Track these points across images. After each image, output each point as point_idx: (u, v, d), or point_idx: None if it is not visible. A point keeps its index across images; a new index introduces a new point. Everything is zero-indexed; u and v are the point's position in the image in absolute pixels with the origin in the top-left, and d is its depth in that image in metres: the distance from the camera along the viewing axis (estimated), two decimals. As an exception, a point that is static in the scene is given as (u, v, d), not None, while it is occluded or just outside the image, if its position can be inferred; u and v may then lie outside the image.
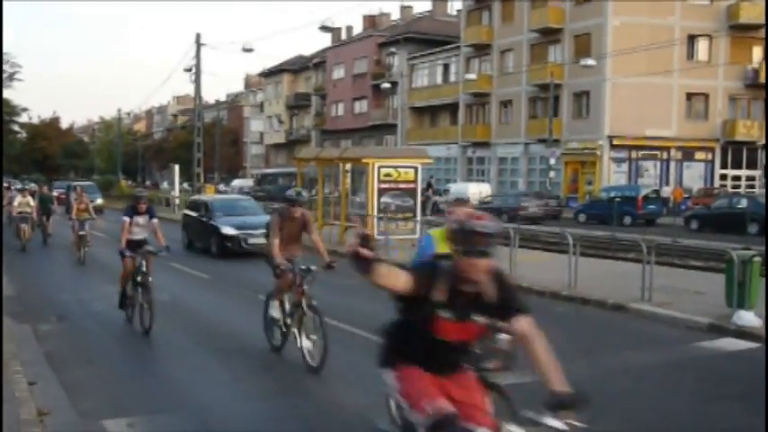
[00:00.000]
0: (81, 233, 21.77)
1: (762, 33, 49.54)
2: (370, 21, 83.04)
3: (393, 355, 4.71)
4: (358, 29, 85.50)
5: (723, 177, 51.74)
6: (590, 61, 44.08)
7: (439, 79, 66.59)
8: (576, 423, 4.18)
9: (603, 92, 49.32)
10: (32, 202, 25.66)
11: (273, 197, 53.26)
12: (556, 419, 4.19)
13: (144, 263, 12.05)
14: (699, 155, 51.66)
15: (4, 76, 62.76)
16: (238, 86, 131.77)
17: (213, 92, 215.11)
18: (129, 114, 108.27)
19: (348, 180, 26.68)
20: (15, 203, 25.72)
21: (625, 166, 50.86)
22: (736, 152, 51.72)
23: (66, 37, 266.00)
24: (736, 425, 8.05)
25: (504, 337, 5.81)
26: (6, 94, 68.24)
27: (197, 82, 40.71)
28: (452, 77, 64.57)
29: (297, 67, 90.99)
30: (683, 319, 12.76)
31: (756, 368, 10.23)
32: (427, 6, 79.83)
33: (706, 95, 51.07)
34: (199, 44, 40.27)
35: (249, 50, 41.84)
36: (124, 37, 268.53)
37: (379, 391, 8.74)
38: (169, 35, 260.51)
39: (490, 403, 4.81)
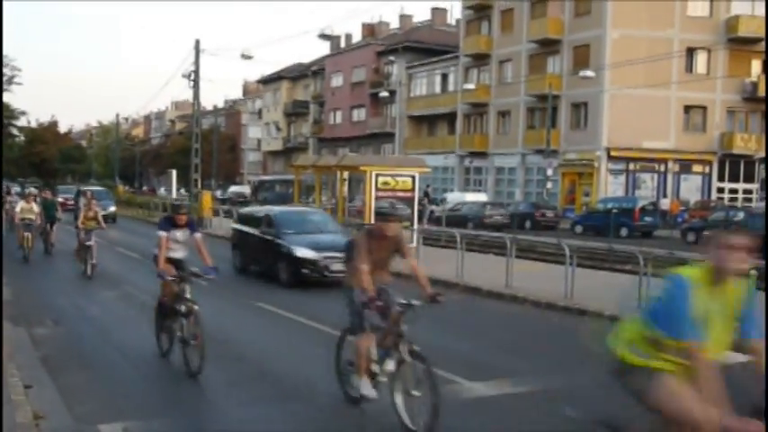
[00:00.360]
0: (87, 243, 19.42)
1: (760, 47, 49.72)
2: (369, 29, 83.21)
3: None
4: (357, 37, 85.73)
5: (720, 190, 51.81)
6: (589, 73, 44.22)
7: (437, 89, 66.72)
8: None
9: (602, 103, 49.42)
10: (36, 209, 23.38)
11: (270, 205, 53.25)
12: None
13: (188, 288, 10.16)
14: (696, 167, 51.74)
15: (3, 79, 62.76)
16: (237, 93, 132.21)
17: (211, 98, 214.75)
18: (127, 119, 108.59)
19: (345, 188, 26.71)
20: (18, 209, 23.58)
21: (622, 178, 50.93)
22: (734, 165, 51.80)
23: (65, 41, 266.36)
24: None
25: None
26: (5, 97, 68.26)
27: (196, 88, 40.69)
28: (451, 87, 64.69)
29: (295, 74, 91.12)
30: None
31: (753, 381, 10.20)
32: (427, 16, 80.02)
33: (704, 108, 51.18)
34: (198, 50, 40.28)
35: (248, 57, 41.90)
36: (123, 43, 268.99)
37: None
38: (168, 41, 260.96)
39: None
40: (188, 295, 10.06)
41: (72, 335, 12.46)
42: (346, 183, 26.78)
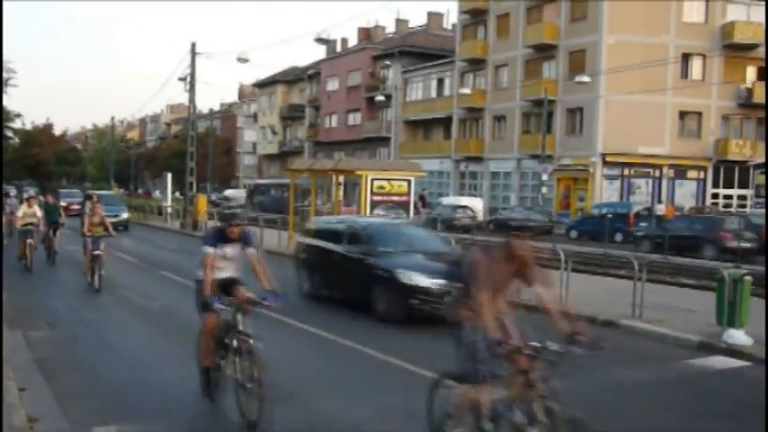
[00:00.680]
0: (95, 253, 17.50)
1: (755, 53, 49.89)
2: (365, 33, 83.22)
3: None
4: (353, 41, 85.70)
5: (715, 196, 51.89)
6: (584, 78, 44.26)
7: (433, 93, 66.73)
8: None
9: (597, 109, 49.47)
10: (39, 213, 21.67)
11: (266, 208, 53.25)
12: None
13: (243, 318, 8.19)
14: (691, 173, 51.81)
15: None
16: (232, 96, 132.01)
17: (207, 101, 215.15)
18: (122, 122, 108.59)
19: (341, 192, 26.73)
20: (19, 214, 21.74)
21: (617, 184, 50.97)
22: (729, 171, 51.88)
23: (60, 44, 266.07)
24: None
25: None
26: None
27: (191, 91, 40.69)
28: (447, 91, 64.70)
29: (291, 78, 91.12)
30: (673, 336, 12.81)
31: (746, 386, 10.28)
32: (423, 20, 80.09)
33: (699, 114, 51.24)
34: (194, 53, 40.28)
35: (244, 61, 41.88)
36: (119, 45, 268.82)
37: (374, 404, 8.77)
38: (164, 44, 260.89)
39: None
40: (242, 327, 8.10)
41: (67, 338, 12.43)
42: (342, 187, 26.81)
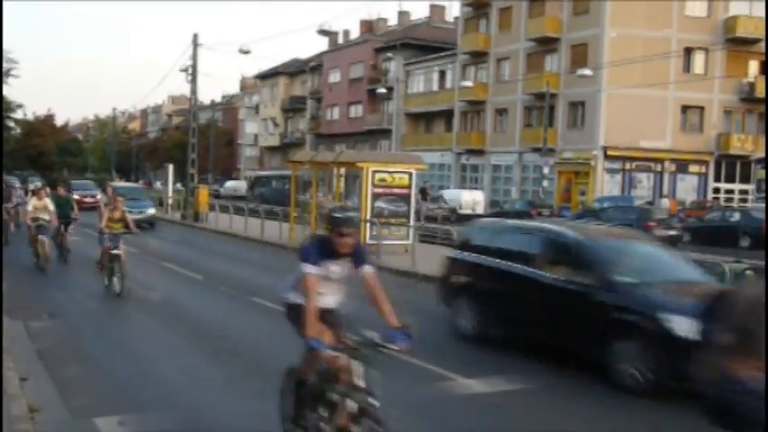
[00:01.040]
0: (114, 252, 15.44)
1: (758, 47, 49.81)
2: (368, 25, 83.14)
3: None
4: (355, 33, 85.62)
5: (716, 190, 51.87)
6: (586, 71, 44.18)
7: (435, 86, 66.68)
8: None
9: (599, 102, 49.42)
10: (51, 207, 19.34)
11: (267, 200, 53.23)
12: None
13: (360, 368, 5.95)
14: (693, 167, 51.78)
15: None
16: (234, 88, 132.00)
17: (209, 93, 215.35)
18: (123, 113, 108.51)
19: (342, 184, 26.71)
20: (29, 208, 19.56)
21: (619, 177, 50.97)
22: (730, 165, 51.86)
23: (61, 34, 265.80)
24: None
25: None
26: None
27: (193, 83, 40.59)
28: (448, 84, 64.64)
29: (293, 70, 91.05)
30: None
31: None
32: (425, 12, 79.96)
33: (701, 108, 51.21)
34: (195, 45, 40.16)
35: (246, 52, 41.76)
36: (121, 35, 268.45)
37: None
38: (166, 34, 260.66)
39: None
40: (361, 382, 5.90)
41: (68, 328, 12.40)
42: (343, 179, 26.79)
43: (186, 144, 43.95)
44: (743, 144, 51.10)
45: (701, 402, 4.70)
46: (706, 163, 51.70)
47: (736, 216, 34.49)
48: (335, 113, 79.10)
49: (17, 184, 40.93)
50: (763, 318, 4.28)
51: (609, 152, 49.73)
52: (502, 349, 11.29)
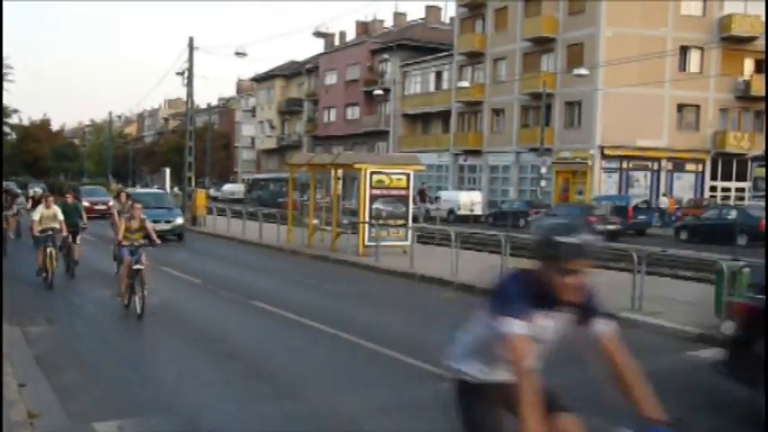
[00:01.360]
0: (135, 267, 13.58)
1: (753, 46, 49.91)
2: (364, 27, 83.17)
3: None
4: (351, 35, 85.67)
5: (713, 189, 51.96)
6: (582, 71, 44.25)
7: (431, 87, 66.73)
8: None
9: (595, 102, 49.46)
10: (60, 215, 17.72)
11: (264, 203, 53.28)
12: None
13: None
14: (689, 166, 51.85)
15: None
16: (230, 91, 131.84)
17: (205, 96, 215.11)
18: (120, 117, 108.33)
19: (340, 186, 26.73)
20: (36, 217, 17.66)
21: (616, 176, 51.02)
22: (726, 164, 51.94)
23: (57, 38, 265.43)
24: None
25: None
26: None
27: (189, 86, 40.60)
28: (445, 85, 64.68)
29: (289, 72, 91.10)
30: (672, 328, 12.82)
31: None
32: (421, 13, 79.98)
33: (697, 107, 51.29)
34: (192, 48, 40.18)
35: (242, 55, 41.80)
36: (116, 39, 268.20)
37: (371, 397, 8.78)
38: (161, 38, 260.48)
39: None
40: None
41: (66, 333, 12.38)
42: (340, 181, 26.81)
43: (183, 147, 43.94)
44: (739, 142, 51.16)
45: None
46: (702, 161, 51.77)
47: (733, 214, 34.55)
48: (332, 115, 79.11)
49: (18, 190, 40.27)
50: None
51: (606, 151, 49.78)
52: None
